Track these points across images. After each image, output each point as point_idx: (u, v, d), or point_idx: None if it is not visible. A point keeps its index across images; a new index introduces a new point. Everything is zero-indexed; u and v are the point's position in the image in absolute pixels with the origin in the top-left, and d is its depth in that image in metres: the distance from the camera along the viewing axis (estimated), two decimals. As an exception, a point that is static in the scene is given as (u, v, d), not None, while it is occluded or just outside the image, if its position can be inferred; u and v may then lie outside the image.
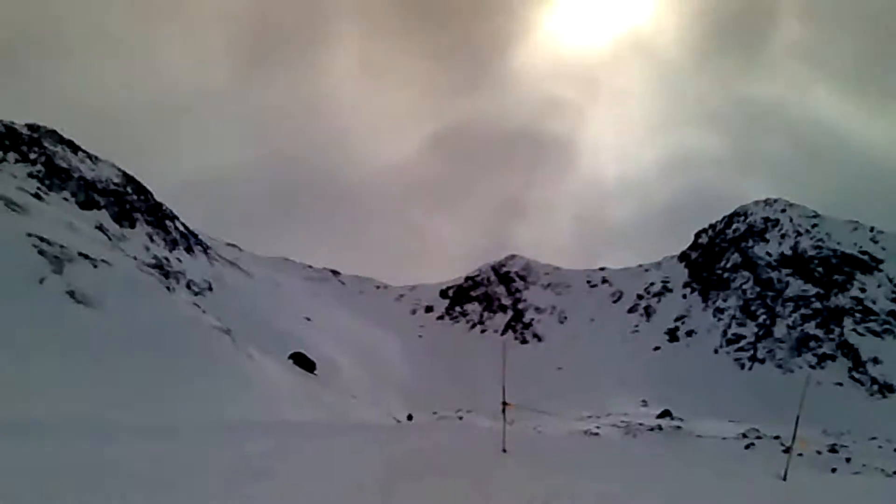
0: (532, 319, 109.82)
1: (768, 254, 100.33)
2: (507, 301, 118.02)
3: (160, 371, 23.01)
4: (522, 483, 10.17)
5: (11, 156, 63.59)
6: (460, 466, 11.10)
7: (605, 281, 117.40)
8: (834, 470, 30.30)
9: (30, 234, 29.54)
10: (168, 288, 36.19)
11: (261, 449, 11.49)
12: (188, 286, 66.99)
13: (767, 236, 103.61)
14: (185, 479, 8.33)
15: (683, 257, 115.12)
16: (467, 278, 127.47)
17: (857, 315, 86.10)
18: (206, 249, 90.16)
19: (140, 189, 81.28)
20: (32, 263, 27.39)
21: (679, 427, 49.72)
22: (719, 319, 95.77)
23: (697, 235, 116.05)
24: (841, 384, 77.01)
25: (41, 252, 28.41)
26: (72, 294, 26.55)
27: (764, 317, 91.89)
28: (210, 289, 74.50)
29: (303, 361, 45.40)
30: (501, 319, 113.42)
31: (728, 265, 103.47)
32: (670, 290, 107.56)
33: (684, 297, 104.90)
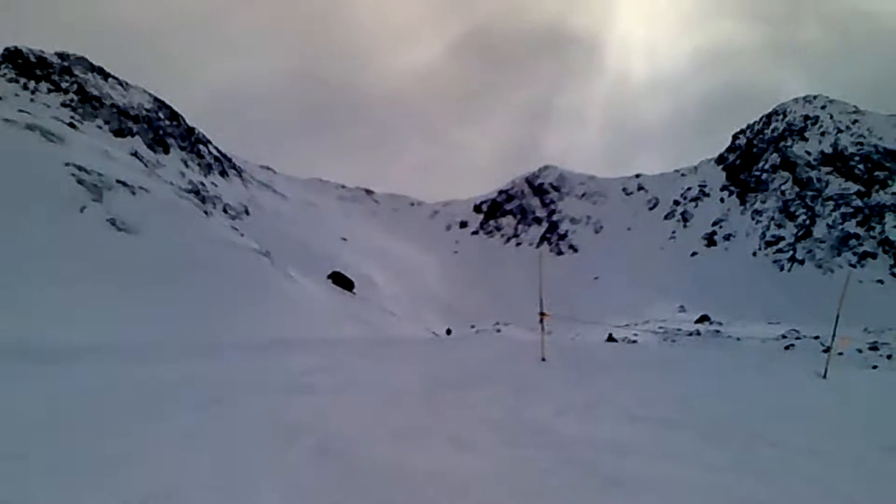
0: (567, 230, 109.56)
1: (807, 153, 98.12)
2: (541, 213, 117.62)
3: (202, 294, 23.48)
4: (562, 390, 10.31)
5: (43, 85, 63.90)
6: (501, 376, 11.27)
7: (640, 188, 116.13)
8: (875, 367, 30.32)
9: (67, 164, 29.86)
10: (206, 213, 36.57)
11: (304, 365, 11.73)
12: (225, 210, 67.79)
13: (807, 135, 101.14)
14: (230, 397, 8.57)
15: (721, 160, 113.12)
16: (501, 192, 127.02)
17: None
18: (240, 173, 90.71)
19: (172, 114, 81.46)
20: (72, 192, 27.79)
21: (718, 331, 49.90)
22: (758, 222, 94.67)
23: (735, 137, 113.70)
24: (882, 282, 76.31)
25: (80, 181, 28.76)
26: (112, 222, 26.98)
27: (803, 217, 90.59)
28: (247, 212, 75.28)
29: (341, 280, 45.96)
30: (536, 232, 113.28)
31: (766, 166, 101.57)
32: (707, 195, 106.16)
33: (722, 200, 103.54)
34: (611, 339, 37.20)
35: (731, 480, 5.89)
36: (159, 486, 4.96)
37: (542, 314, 13.68)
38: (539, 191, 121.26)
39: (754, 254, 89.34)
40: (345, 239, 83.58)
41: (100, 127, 63.75)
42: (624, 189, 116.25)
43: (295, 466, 5.82)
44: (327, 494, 5.12)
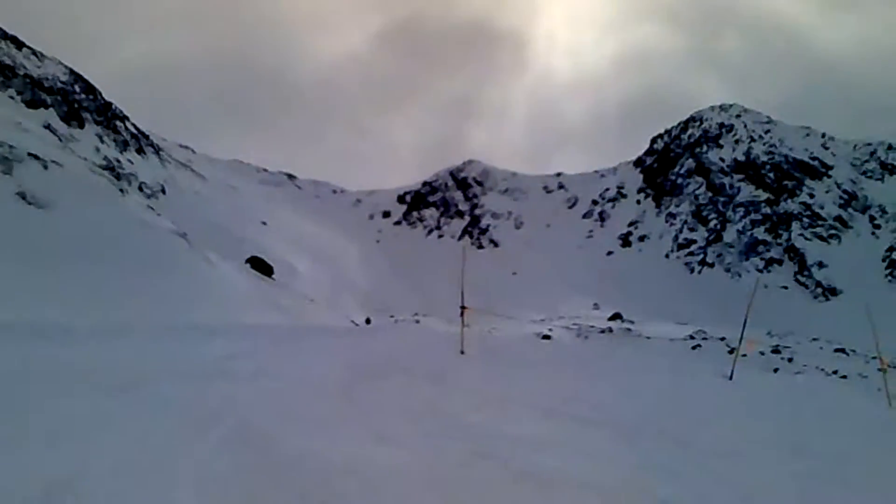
0: (489, 225, 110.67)
1: (721, 159, 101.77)
2: (464, 206, 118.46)
3: (116, 275, 22.80)
4: (479, 384, 10.45)
5: (-49, 53, 60.68)
6: (420, 367, 11.33)
7: (561, 186, 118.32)
8: (776, 370, 31.68)
9: (-25, 134, 28.53)
10: (121, 190, 35.44)
11: (221, 351, 11.55)
12: (140, 189, 65.82)
13: (721, 142, 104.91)
14: (142, 381, 8.35)
15: (639, 163, 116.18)
16: (424, 183, 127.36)
17: (806, 220, 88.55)
18: (158, 151, 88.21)
19: (88, 88, 78.54)
20: (-21, 164, 26.58)
21: (629, 329, 51.28)
22: (671, 225, 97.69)
23: (653, 140, 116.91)
24: (786, 287, 79.76)
25: (-12, 153, 27.54)
26: (22, 196, 25.93)
27: (715, 222, 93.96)
28: (163, 192, 73.33)
29: (260, 265, 45.28)
30: (458, 225, 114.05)
31: (682, 170, 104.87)
32: (625, 196, 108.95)
33: (638, 202, 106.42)
34: (527, 334, 37.83)
35: (641, 479, 6.09)
36: (64, 471, 4.81)
37: (462, 307, 13.83)
38: (463, 184, 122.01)
39: (667, 255, 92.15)
40: (265, 223, 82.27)
41: (12, 98, 60.91)
42: (545, 187, 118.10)
43: (209, 454, 5.70)
44: (242, 484, 5.06)
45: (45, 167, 29.26)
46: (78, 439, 5.77)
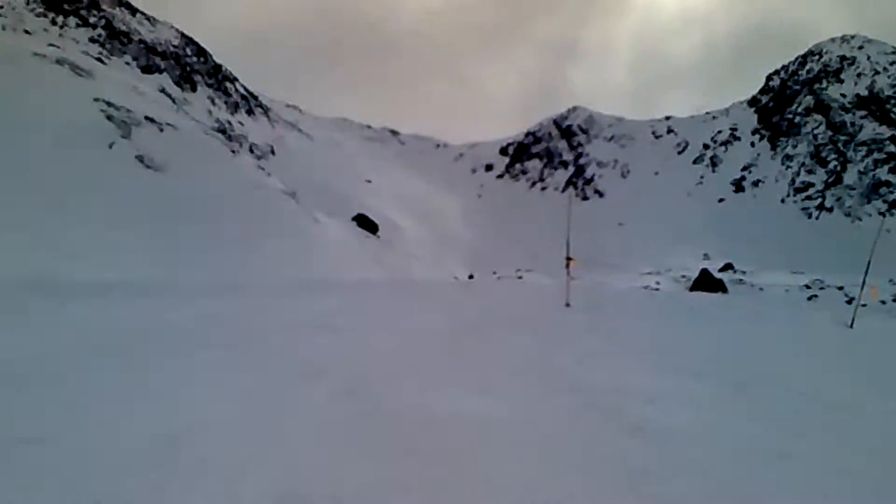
0: (594, 175, 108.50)
1: (842, 95, 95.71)
2: (568, 156, 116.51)
3: (229, 233, 23.69)
4: (586, 337, 10.35)
5: (72, 20, 63.61)
6: (525, 321, 11.32)
7: (670, 131, 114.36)
8: (900, 319, 30.09)
9: (97, 99, 29.96)
10: (232, 151, 36.64)
11: (329, 306, 11.87)
12: (251, 150, 67.79)
13: (843, 76, 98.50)
14: (257, 335, 8.70)
15: (753, 102, 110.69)
16: (528, 134, 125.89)
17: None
18: (266, 111, 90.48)
19: (199, 51, 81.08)
20: (101, 128, 27.96)
21: (741, 280, 49.62)
22: (788, 168, 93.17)
23: (769, 78, 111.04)
24: (912, 233, 75.20)
25: (109, 117, 28.91)
26: (141, 159, 27.17)
27: (835, 163, 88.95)
28: (273, 152, 75.29)
29: (366, 223, 46.11)
30: (562, 176, 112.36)
31: (800, 109, 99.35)
32: (738, 139, 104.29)
33: (752, 144, 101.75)
34: (634, 287, 37.15)
35: (757, 431, 5.89)
36: (187, 421, 5.04)
37: (568, 259, 13.68)
38: (567, 133, 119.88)
39: (783, 200, 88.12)
40: (369, 181, 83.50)
41: (128, 63, 63.59)
42: (653, 132, 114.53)
43: (320, 405, 5.88)
44: (352, 433, 5.16)
45: (161, 130, 30.51)
46: (199, 390, 6.07)
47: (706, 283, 39.95)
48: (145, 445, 4.57)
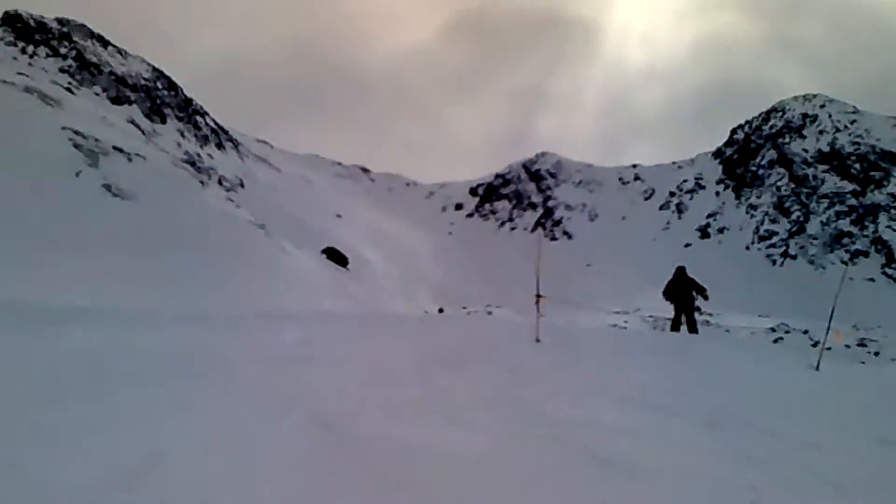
0: (562, 217, 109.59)
1: (805, 150, 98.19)
2: (537, 199, 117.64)
3: (197, 263, 23.44)
4: (556, 372, 10.34)
5: (42, 50, 63.31)
6: (495, 355, 11.28)
7: (637, 178, 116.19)
8: (863, 363, 30.48)
9: (65, 128, 29.70)
10: (201, 183, 36.42)
11: (298, 337, 11.72)
12: (220, 182, 67.43)
13: (805, 132, 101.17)
14: (223, 366, 8.57)
15: (718, 154, 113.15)
16: (497, 175, 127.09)
17: (894, 211, 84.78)
18: (236, 145, 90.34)
19: (170, 84, 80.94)
20: (69, 156, 27.68)
21: (707, 321, 50.06)
22: (752, 216, 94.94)
23: (733, 132, 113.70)
24: (873, 280, 76.70)
25: (76, 146, 28.66)
26: (108, 187, 26.88)
27: (798, 213, 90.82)
28: (242, 185, 74.97)
29: (336, 256, 45.94)
30: (531, 217, 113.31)
31: (763, 161, 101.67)
32: (703, 187, 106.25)
33: (717, 194, 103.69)
34: (602, 325, 37.24)
35: (727, 468, 5.89)
36: (150, 452, 4.93)
37: (538, 296, 13.71)
38: (535, 176, 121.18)
39: (747, 248, 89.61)
40: (339, 216, 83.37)
41: (97, 94, 63.21)
42: (620, 178, 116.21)
43: (287, 437, 5.79)
44: (322, 465, 5.10)
45: (130, 160, 30.28)
46: (161, 422, 5.91)
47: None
48: (104, 476, 4.45)
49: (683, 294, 20.58)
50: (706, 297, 20.17)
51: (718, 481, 5.49)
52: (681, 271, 20.95)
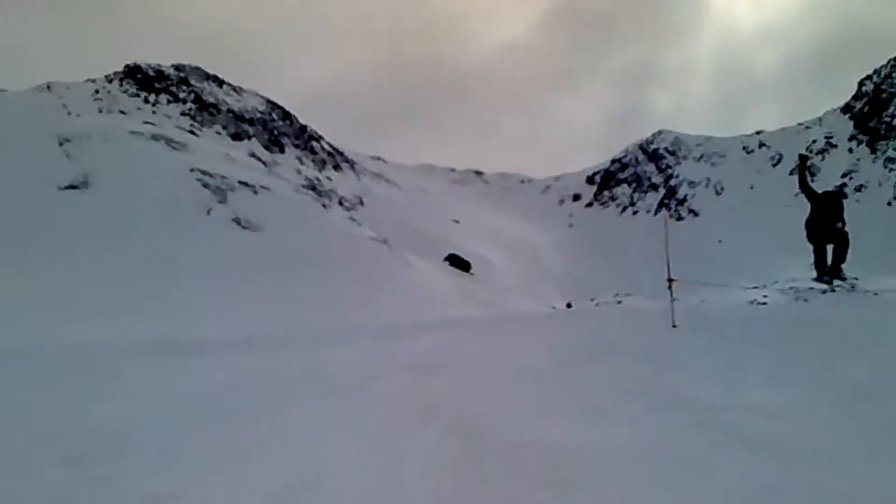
0: (686, 195, 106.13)
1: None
2: (657, 179, 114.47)
3: (327, 284, 24.18)
4: (696, 356, 10.01)
5: (163, 97, 66.99)
6: (630, 345, 11.04)
7: (762, 145, 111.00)
8: None
9: (192, 169, 31.33)
10: (323, 206, 37.58)
11: (429, 346, 11.88)
12: (340, 203, 69.29)
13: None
14: (362, 381, 8.76)
15: (847, 109, 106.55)
16: (614, 161, 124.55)
17: None
18: (352, 165, 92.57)
19: (285, 114, 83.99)
20: (199, 196, 29.20)
21: (853, 287, 47.08)
22: (891, 170, 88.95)
23: (861, 83, 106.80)
24: None
25: (205, 185, 30.17)
26: (237, 221, 28.15)
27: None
28: (361, 203, 76.76)
29: (458, 262, 46.33)
30: (654, 198, 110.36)
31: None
32: (835, 146, 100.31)
33: (850, 150, 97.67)
34: (740, 303, 35.68)
35: (886, 446, 5.55)
36: (303, 472, 5.10)
37: (670, 280, 13.34)
38: (654, 156, 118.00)
39: (889, 203, 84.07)
40: (457, 221, 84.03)
41: (218, 133, 66.42)
42: (744, 147, 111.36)
43: (432, 445, 5.86)
44: (470, 470, 5.14)
45: (255, 192, 31.60)
46: (312, 440, 6.15)
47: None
48: (262, 498, 4.63)
49: (830, 224, 16.46)
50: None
51: (879, 463, 5.18)
52: (832, 196, 16.80)
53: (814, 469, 4.99)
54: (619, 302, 53.95)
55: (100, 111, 53.45)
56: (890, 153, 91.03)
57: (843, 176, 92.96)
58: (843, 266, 17.35)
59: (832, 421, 6.30)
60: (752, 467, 5.07)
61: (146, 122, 45.12)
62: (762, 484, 4.70)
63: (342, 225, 34.69)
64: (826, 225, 15.79)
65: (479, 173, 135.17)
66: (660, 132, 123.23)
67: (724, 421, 6.37)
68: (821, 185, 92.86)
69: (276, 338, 14.25)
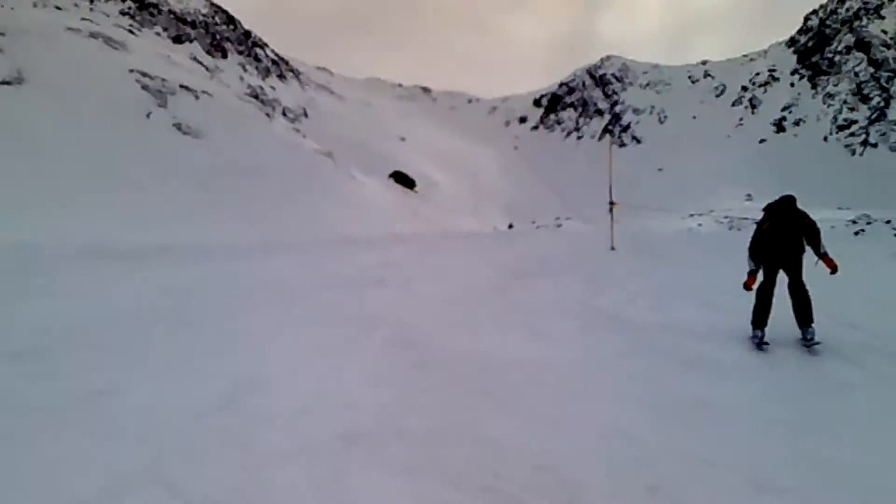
0: (630, 122, 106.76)
1: (884, 31, 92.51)
2: (603, 105, 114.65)
3: (269, 195, 23.89)
4: (632, 278, 10.29)
5: (101, -6, 63.77)
6: (570, 266, 11.27)
7: (707, 75, 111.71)
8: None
9: (132, 70, 30.18)
10: (267, 115, 36.79)
11: (373, 260, 11.92)
12: (284, 113, 67.80)
13: (883, 13, 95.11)
14: (308, 291, 8.77)
15: (791, 42, 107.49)
16: (561, 84, 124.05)
17: (980, 88, 79.97)
18: (297, 75, 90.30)
19: (229, 18, 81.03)
20: (138, 98, 28.21)
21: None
22: (829, 106, 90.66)
23: (807, 18, 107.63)
24: (958, 160, 73.24)
25: (144, 87, 29.14)
26: (178, 126, 27.39)
27: (878, 99, 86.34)
28: (305, 115, 75.26)
29: (403, 179, 46.15)
30: (598, 124, 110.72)
31: (840, 47, 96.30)
32: (777, 79, 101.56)
33: (792, 85, 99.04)
34: (677, 230, 36.62)
35: (818, 364, 5.89)
36: (249, 376, 5.16)
37: (611, 203, 13.60)
38: (601, 82, 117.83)
39: (825, 139, 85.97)
40: (403, 139, 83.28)
41: (158, 34, 63.84)
42: (689, 77, 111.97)
43: (375, 353, 5.97)
44: (409, 379, 5.26)
45: (197, 98, 30.69)
46: (257, 344, 6.22)
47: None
48: (210, 396, 4.69)
49: (787, 241, 10.25)
50: (824, 257, 7.07)
51: (805, 376, 5.51)
52: (788, 203, 9.22)
53: (738, 385, 5.29)
54: (559, 226, 54.76)
55: (34, 5, 50.70)
56: (830, 89, 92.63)
57: (784, 109, 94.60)
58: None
59: (728, 331, 6.62)
60: (682, 384, 5.33)
61: (84, 19, 42.97)
62: (691, 399, 4.96)
63: (286, 136, 34.10)
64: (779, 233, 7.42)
65: (426, 90, 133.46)
66: (608, 57, 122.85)
67: (656, 342, 6.65)
68: (762, 118, 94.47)
69: (217, 246, 14.08)
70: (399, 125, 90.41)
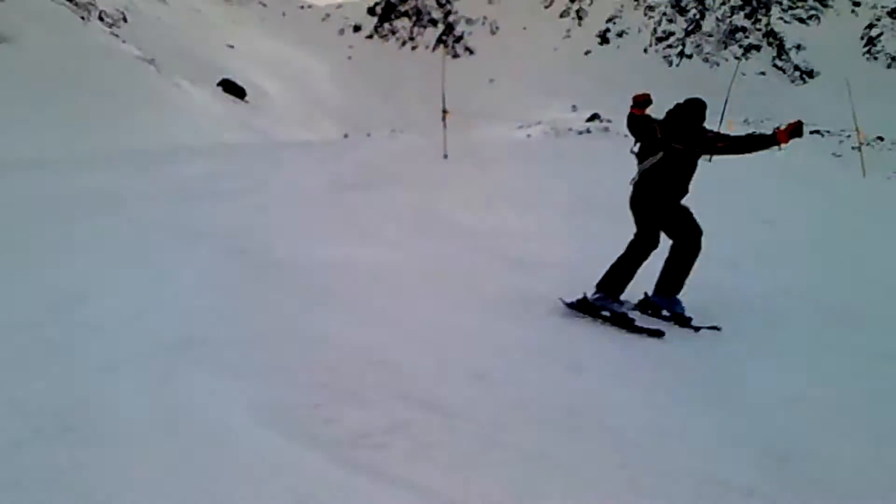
0: (463, 32, 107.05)
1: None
2: (437, 14, 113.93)
3: (88, 104, 22.57)
4: (464, 185, 10.76)
5: None
6: (404, 173, 11.52)
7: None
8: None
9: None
10: (82, 18, 34.17)
11: (201, 171, 11.62)
12: (101, 17, 62.81)
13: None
14: (133, 204, 8.43)
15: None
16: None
17: (786, 2, 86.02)
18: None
19: None
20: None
21: (606, 128, 51.30)
22: (650, 18, 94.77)
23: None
24: (764, 73, 79.08)
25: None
26: (-19, 30, 25.11)
27: (694, 11, 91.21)
28: (125, 19, 70.03)
29: (232, 88, 44.56)
30: (433, 34, 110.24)
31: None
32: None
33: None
34: (507, 139, 37.86)
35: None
36: (72, 283, 5.12)
37: (444, 111, 13.97)
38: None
39: (645, 50, 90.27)
40: (232, 46, 79.61)
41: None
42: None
43: (209, 262, 5.98)
44: (244, 285, 5.37)
45: (3, -1, 28.10)
46: (79, 256, 6.03)
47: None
48: (40, 304, 4.65)
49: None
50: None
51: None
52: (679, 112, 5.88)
53: (558, 274, 5.86)
54: (394, 136, 54.80)
55: None
56: (650, 1, 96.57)
57: (608, 21, 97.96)
58: None
59: (580, 242, 7.27)
60: (509, 280, 5.86)
61: None
62: (515, 294, 5.50)
63: (104, 41, 31.91)
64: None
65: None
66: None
67: (485, 244, 7.12)
68: (588, 29, 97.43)
69: (35, 160, 13.32)
70: (228, 32, 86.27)
